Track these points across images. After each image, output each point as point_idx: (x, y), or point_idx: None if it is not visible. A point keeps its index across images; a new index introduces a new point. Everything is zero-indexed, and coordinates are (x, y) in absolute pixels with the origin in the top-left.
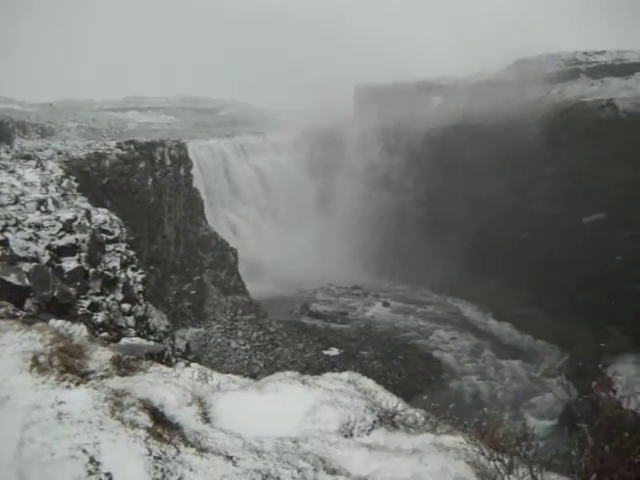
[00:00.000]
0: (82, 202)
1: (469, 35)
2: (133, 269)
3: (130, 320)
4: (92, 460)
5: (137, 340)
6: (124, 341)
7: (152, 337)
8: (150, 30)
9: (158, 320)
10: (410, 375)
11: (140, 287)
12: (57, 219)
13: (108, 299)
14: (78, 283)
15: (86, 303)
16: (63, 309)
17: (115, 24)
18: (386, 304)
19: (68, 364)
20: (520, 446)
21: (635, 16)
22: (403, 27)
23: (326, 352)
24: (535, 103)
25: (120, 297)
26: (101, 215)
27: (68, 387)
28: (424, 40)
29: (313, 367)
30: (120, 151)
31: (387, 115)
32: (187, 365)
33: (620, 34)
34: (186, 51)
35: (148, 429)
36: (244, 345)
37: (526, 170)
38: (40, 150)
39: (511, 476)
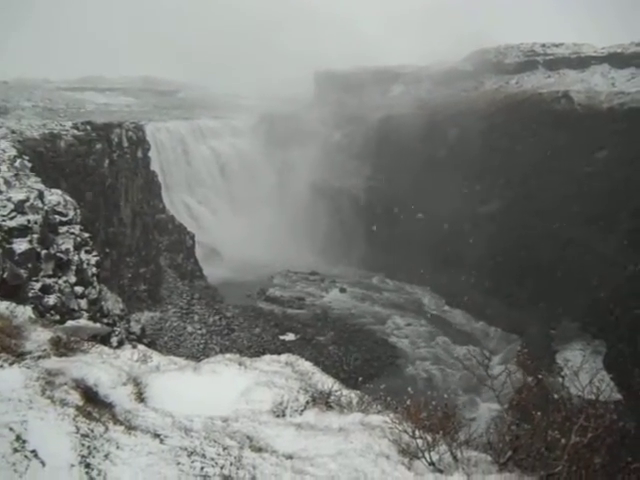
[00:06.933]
0: (35, 183)
1: (433, 21)
2: (87, 251)
3: (83, 303)
4: (18, 438)
5: (83, 322)
6: (69, 323)
7: (105, 320)
8: (109, 8)
9: (113, 303)
10: (365, 360)
11: (94, 270)
12: (9, 199)
13: (60, 281)
14: (29, 265)
15: (37, 285)
16: (13, 291)
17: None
18: (343, 290)
19: (4, 344)
20: (442, 425)
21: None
22: (365, 13)
23: (282, 337)
24: (493, 93)
25: (73, 280)
26: (55, 196)
27: (1, 366)
28: (385, 26)
29: (269, 352)
30: (76, 132)
31: (347, 102)
32: (134, 347)
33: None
34: (144, 32)
35: (78, 407)
36: (200, 329)
37: (483, 160)
38: None
39: (432, 453)
